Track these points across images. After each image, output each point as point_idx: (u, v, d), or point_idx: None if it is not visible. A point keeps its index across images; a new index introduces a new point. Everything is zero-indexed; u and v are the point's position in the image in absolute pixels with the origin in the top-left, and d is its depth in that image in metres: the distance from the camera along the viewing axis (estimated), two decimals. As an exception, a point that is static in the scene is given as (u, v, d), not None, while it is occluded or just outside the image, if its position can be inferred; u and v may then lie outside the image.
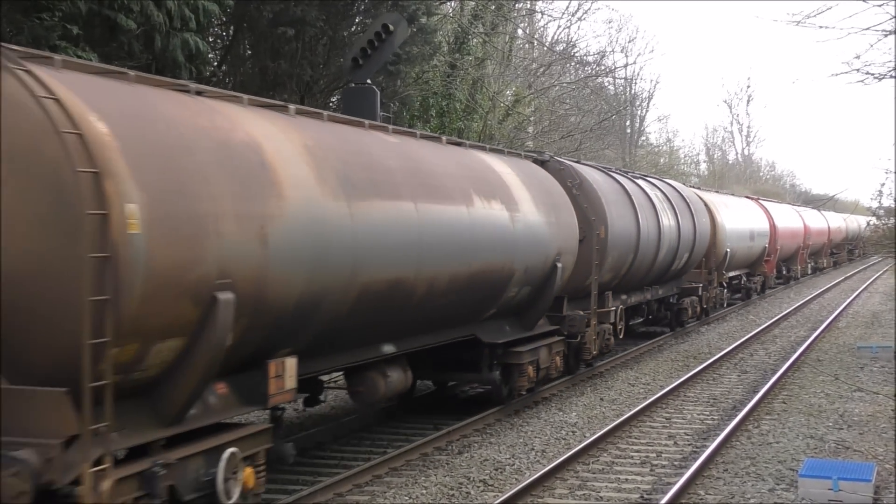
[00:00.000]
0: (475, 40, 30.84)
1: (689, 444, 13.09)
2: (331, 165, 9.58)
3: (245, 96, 9.37)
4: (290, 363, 9.01)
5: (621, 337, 19.53)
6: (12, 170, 6.76)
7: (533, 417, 14.56)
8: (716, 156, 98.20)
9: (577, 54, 43.47)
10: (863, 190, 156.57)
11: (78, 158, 6.67)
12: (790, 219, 41.82)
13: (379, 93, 13.81)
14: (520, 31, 38.18)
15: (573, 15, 41.93)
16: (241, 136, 8.49)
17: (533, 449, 12.64)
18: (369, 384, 11.31)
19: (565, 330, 16.19)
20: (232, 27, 22.60)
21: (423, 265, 11.00)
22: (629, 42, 75.86)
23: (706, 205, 26.92)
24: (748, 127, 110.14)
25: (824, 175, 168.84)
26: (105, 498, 6.72)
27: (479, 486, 10.86)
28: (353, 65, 14.00)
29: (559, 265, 14.64)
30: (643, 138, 66.81)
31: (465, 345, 13.29)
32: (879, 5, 15.16)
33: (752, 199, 38.39)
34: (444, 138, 13.70)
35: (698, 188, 32.58)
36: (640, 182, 21.33)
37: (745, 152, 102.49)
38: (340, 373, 12.40)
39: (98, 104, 7.13)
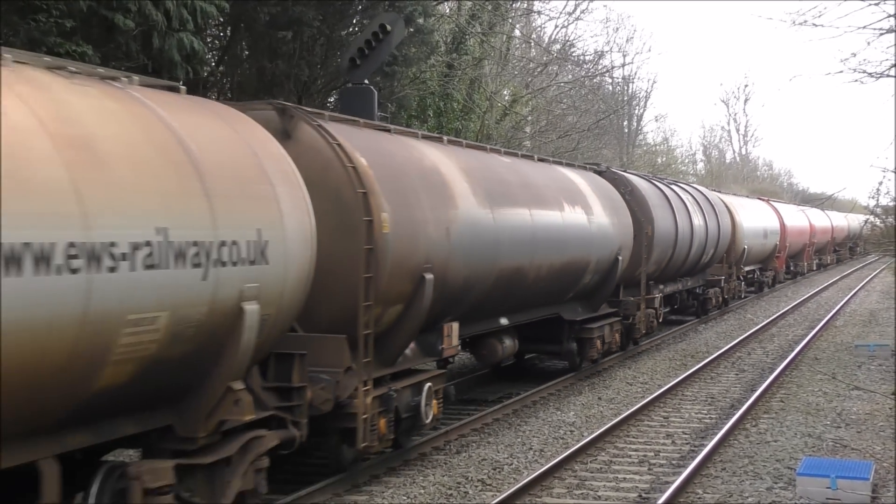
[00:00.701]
0: (472, 40, 30.81)
1: (687, 443, 13.12)
2: (478, 182, 12.89)
3: (419, 132, 13.08)
4: (455, 326, 12.29)
5: (660, 321, 22.60)
6: (311, 194, 8.92)
7: (531, 417, 14.65)
8: (713, 155, 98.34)
9: (574, 54, 43.41)
10: (860, 189, 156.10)
11: (356, 183, 9.93)
12: (797, 218, 44.28)
13: (376, 93, 13.87)
14: (517, 31, 38.14)
15: (570, 14, 41.45)
16: (428, 162, 11.95)
17: (531, 448, 12.68)
18: (491, 348, 14.52)
19: (621, 312, 19.36)
20: (229, 27, 22.46)
21: (535, 256, 14.25)
22: (626, 41, 75.86)
23: (727, 206, 29.96)
24: (745, 126, 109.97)
25: (821, 174, 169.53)
26: (367, 409, 10.00)
27: (477, 486, 10.89)
28: (350, 65, 14.06)
29: (620, 258, 17.94)
30: (640, 137, 66.44)
31: (549, 322, 16.46)
32: (876, 3, 15.10)
33: (763, 199, 41.74)
34: (535, 156, 17.05)
35: (718, 190, 35.02)
36: (673, 187, 24.58)
37: (743, 151, 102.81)
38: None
39: (357, 145, 10.41)
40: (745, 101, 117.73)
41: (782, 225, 39.42)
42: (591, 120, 41.23)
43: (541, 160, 17.12)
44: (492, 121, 32.29)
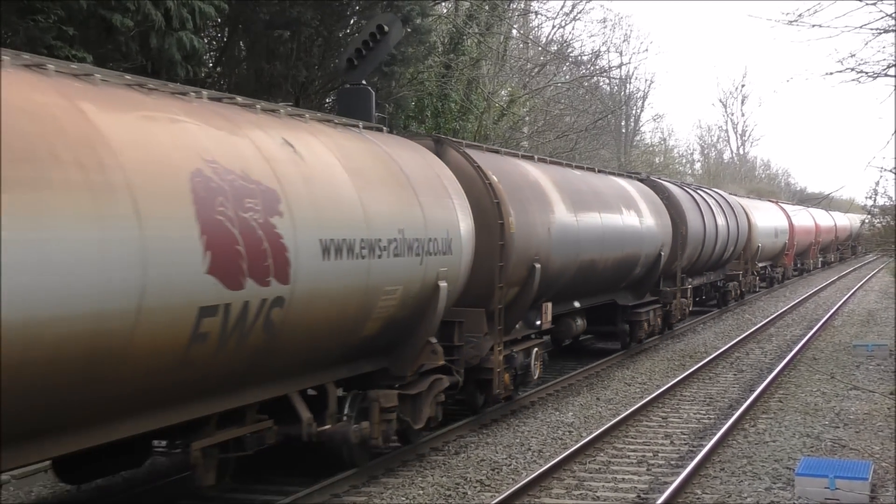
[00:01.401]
0: (470, 40, 30.67)
1: (685, 444, 13.02)
2: (565, 191, 15.96)
3: (519, 152, 16.78)
4: (549, 305, 15.35)
5: (691, 308, 25.89)
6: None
7: (530, 417, 14.60)
8: (711, 155, 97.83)
9: (571, 54, 43.34)
10: (858, 188, 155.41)
11: (491, 195, 13.05)
12: (804, 218, 47.39)
13: (374, 93, 13.89)
14: (514, 31, 37.92)
15: (567, 15, 41.75)
16: (531, 177, 15.14)
17: (530, 449, 12.59)
18: (566, 327, 17.54)
19: (661, 300, 22.38)
20: (227, 28, 22.42)
21: (604, 251, 17.32)
22: (623, 41, 76.25)
23: (743, 208, 33.53)
24: (743, 126, 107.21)
25: (819, 173, 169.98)
26: (499, 365, 13.29)
27: (475, 487, 10.81)
28: (347, 65, 14.06)
29: (662, 254, 21.24)
30: (638, 138, 66.24)
31: (606, 306, 19.74)
32: (873, 3, 15.30)
33: (772, 201, 45.46)
34: (595, 168, 20.35)
35: (736, 194, 38.92)
36: (700, 192, 28.02)
37: (740, 151, 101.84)
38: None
39: (488, 165, 13.51)
40: (743, 101, 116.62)
41: (790, 225, 42.26)
42: (588, 120, 41.17)
43: (600, 171, 20.28)
44: (489, 121, 32.21)
